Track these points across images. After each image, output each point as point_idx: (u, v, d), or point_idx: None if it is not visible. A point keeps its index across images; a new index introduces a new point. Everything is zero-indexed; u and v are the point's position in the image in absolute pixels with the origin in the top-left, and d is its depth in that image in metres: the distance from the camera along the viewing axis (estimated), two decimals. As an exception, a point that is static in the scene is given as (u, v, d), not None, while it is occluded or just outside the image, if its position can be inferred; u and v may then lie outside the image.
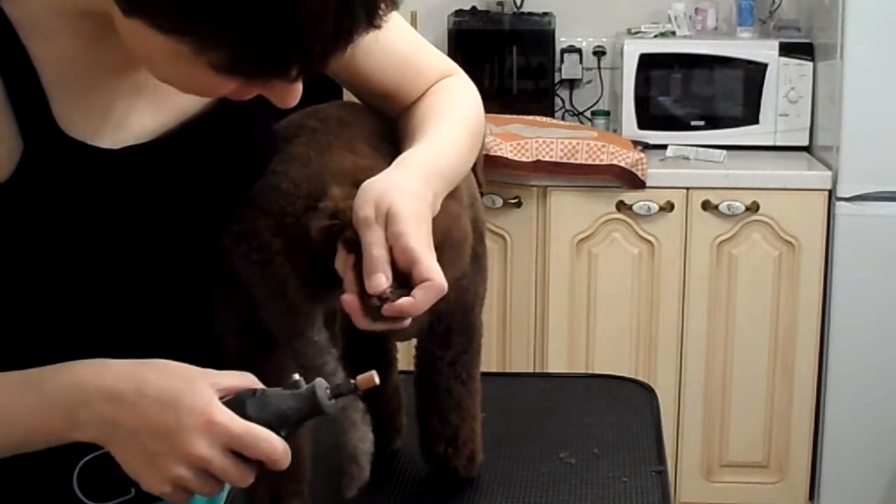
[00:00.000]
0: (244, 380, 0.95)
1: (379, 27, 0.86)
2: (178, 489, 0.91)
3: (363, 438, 1.00)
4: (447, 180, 1.08)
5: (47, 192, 0.92)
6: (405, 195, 0.98)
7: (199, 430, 0.89)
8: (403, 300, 0.95)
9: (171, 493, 0.91)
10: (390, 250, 0.96)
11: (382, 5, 0.85)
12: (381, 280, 0.95)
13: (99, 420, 0.90)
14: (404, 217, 0.96)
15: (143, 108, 0.98)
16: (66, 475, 0.93)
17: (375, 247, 0.95)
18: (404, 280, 0.96)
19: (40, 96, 0.90)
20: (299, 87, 0.90)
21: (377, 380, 0.94)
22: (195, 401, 0.90)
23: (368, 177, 1.04)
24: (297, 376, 0.94)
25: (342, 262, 0.99)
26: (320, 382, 0.93)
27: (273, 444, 0.91)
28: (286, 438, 0.93)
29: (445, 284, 0.96)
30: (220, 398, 0.92)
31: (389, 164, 1.08)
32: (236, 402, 0.92)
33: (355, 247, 0.98)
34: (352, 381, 0.95)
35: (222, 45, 0.82)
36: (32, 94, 0.90)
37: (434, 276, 0.95)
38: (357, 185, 1.02)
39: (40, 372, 0.92)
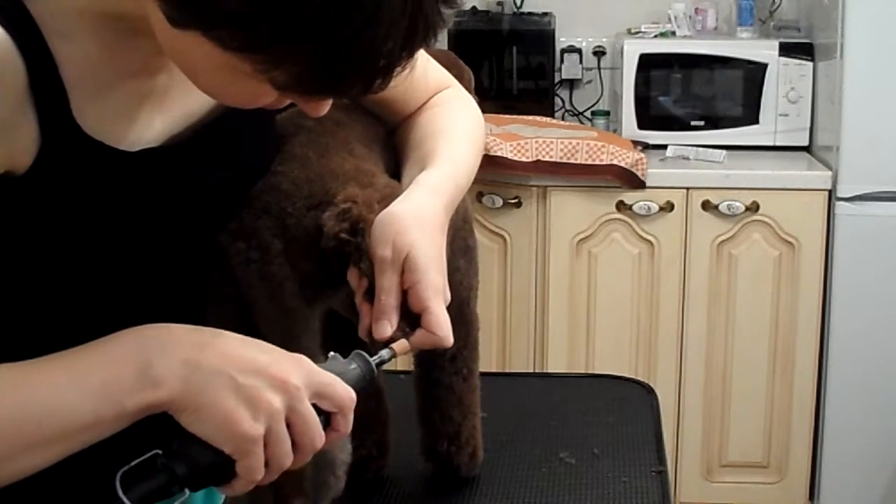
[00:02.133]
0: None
1: (430, 46, 0.87)
2: (258, 443, 0.86)
3: (342, 448, 1.00)
4: (458, 198, 1.13)
5: (61, 189, 0.92)
6: (424, 237, 1.01)
7: (291, 362, 0.89)
8: (399, 344, 0.98)
9: (255, 444, 0.86)
10: (404, 293, 1.00)
11: (440, 22, 0.85)
12: (386, 328, 0.98)
13: (179, 366, 0.86)
14: (422, 266, 0.99)
15: (155, 110, 0.99)
16: (104, 490, 0.88)
17: (386, 293, 0.99)
18: (414, 318, 1.00)
19: (61, 94, 0.90)
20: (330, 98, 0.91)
21: (409, 346, 0.98)
22: (274, 347, 0.91)
23: (370, 182, 1.05)
24: (332, 354, 0.96)
25: (355, 281, 1.01)
26: (362, 353, 0.95)
27: (350, 392, 0.91)
28: None
29: (450, 340, 1.00)
30: None
31: (382, 167, 1.11)
32: None
33: (369, 275, 1.00)
34: (390, 347, 0.98)
35: (292, 64, 0.81)
36: (54, 90, 0.89)
37: (439, 332, 0.99)
38: (364, 186, 1.03)
39: (106, 337, 0.89)
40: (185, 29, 0.82)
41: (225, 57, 0.82)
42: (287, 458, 0.89)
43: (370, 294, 1.00)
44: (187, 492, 0.88)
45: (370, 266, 1.00)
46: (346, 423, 0.92)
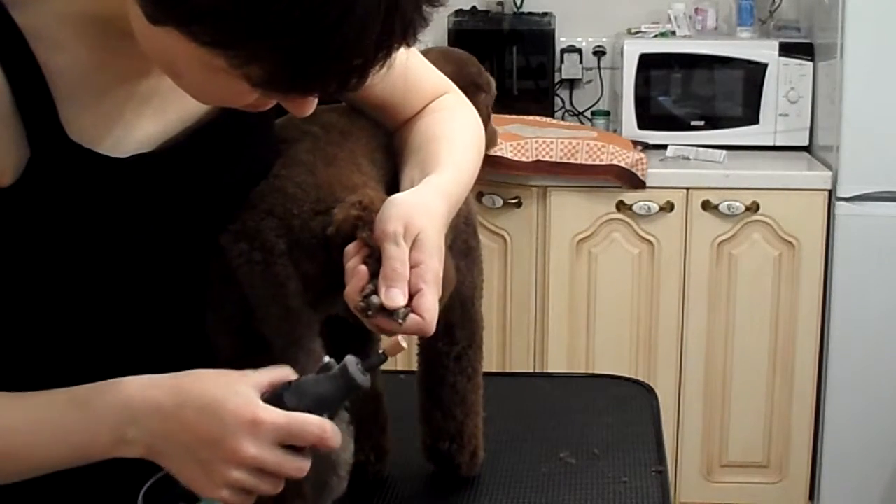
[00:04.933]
0: (282, 373, 0.96)
1: (410, 45, 0.86)
2: (238, 491, 0.92)
3: (345, 448, 1.00)
4: (458, 205, 1.13)
5: (52, 199, 0.92)
6: (433, 224, 1.01)
7: (244, 431, 0.91)
8: (388, 321, 0.97)
9: (231, 496, 0.92)
10: None
11: (420, 21, 0.84)
12: (399, 297, 0.96)
13: (148, 436, 0.92)
14: (429, 248, 0.99)
15: (148, 115, 0.98)
16: (126, 499, 0.95)
17: (399, 262, 0.97)
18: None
19: (49, 103, 0.90)
20: (315, 97, 0.90)
21: (404, 344, 0.95)
22: (237, 403, 0.91)
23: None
24: (327, 358, 0.96)
25: (353, 250, 0.99)
26: (350, 360, 0.94)
27: (321, 426, 0.93)
28: (330, 420, 0.94)
29: (432, 329, 0.98)
30: (261, 396, 0.93)
31: (386, 176, 1.11)
32: (274, 396, 0.93)
33: (371, 247, 0.99)
34: (380, 350, 0.96)
35: (266, 60, 0.81)
36: (41, 101, 0.89)
37: (426, 317, 0.97)
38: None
39: (86, 391, 0.93)
40: (161, 25, 0.82)
41: (200, 53, 0.82)
42: (266, 492, 0.94)
43: (370, 261, 0.99)
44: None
45: (374, 237, 0.98)
46: (330, 445, 0.94)
